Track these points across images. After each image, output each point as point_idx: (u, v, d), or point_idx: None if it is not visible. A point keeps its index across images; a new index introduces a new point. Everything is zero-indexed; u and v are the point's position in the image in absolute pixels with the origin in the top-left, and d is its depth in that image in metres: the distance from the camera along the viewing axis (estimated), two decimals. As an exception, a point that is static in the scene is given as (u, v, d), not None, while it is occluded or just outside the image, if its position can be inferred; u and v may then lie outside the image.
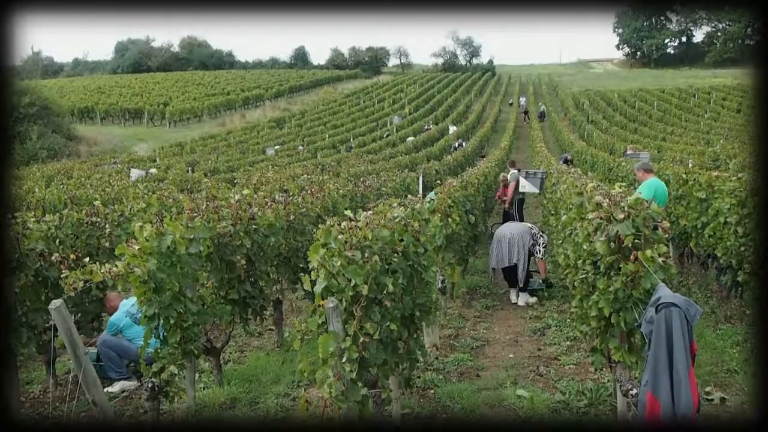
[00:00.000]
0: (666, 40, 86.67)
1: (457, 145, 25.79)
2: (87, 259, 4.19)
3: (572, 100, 51.53)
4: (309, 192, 8.26)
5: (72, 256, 4.55)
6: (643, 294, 3.27)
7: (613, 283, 3.43)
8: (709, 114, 40.14)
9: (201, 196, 9.30)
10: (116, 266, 3.95)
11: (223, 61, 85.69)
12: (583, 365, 5.56)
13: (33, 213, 5.37)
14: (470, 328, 7.12)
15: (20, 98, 31.56)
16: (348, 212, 3.78)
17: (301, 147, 31.99)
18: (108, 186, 13.59)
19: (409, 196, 6.14)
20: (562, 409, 4.66)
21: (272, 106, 50.81)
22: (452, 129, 36.84)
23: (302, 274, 6.83)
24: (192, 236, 4.45)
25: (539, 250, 8.41)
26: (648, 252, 3.20)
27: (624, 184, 4.38)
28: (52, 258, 4.60)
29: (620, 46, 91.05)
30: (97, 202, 7.05)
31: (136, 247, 4.02)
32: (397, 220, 3.91)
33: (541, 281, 8.58)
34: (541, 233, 8.65)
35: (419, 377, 5.26)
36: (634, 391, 3.35)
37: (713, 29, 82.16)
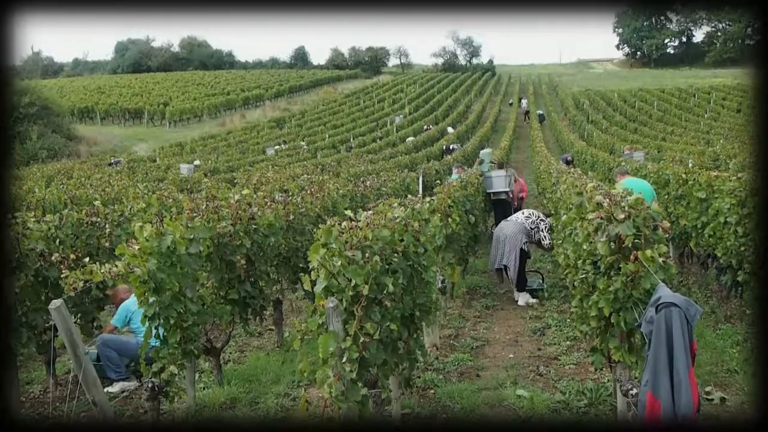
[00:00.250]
0: (666, 40, 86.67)
1: (451, 148, 25.81)
2: (87, 259, 4.20)
3: (572, 100, 51.54)
4: (309, 192, 8.26)
5: (72, 256, 4.55)
6: (643, 294, 3.27)
7: (613, 283, 3.43)
8: (709, 114, 40.15)
9: (201, 196, 9.31)
10: (116, 266, 3.96)
11: (223, 61, 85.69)
12: (583, 365, 5.56)
13: (33, 213, 5.37)
14: (470, 328, 7.12)
15: (20, 98, 31.57)
16: (348, 212, 3.79)
17: (304, 145, 31.99)
18: (108, 186, 13.59)
19: (409, 196, 6.14)
20: (562, 409, 4.66)
21: (272, 106, 50.83)
22: (450, 131, 36.83)
23: (302, 274, 6.83)
24: (192, 236, 4.45)
25: (544, 236, 8.40)
26: (648, 252, 3.20)
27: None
28: (52, 258, 4.60)
29: (620, 46, 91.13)
30: (97, 202, 7.05)
31: (136, 247, 4.02)
32: (397, 220, 3.92)
33: (540, 281, 8.58)
34: (542, 218, 8.61)
35: (419, 377, 5.26)
36: (634, 391, 3.35)
37: (713, 29, 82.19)
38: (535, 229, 8.47)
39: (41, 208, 8.88)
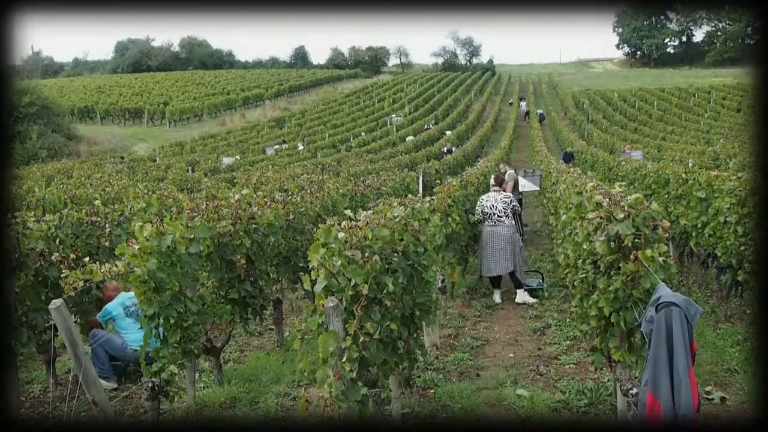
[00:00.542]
0: (666, 40, 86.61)
1: (446, 150, 25.87)
2: (87, 259, 4.19)
3: (572, 99, 51.53)
4: (308, 191, 8.26)
5: (72, 256, 4.55)
6: (643, 293, 3.27)
7: (613, 282, 3.43)
8: (709, 113, 40.13)
9: (201, 196, 9.31)
10: (116, 266, 3.96)
11: (223, 61, 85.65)
12: (583, 365, 5.56)
13: (33, 213, 5.37)
14: (470, 327, 7.12)
15: (20, 98, 31.55)
16: (348, 212, 3.79)
17: (300, 146, 31.99)
18: (108, 186, 13.58)
19: (409, 195, 6.14)
20: (562, 408, 4.66)
21: (272, 105, 50.81)
22: (448, 133, 36.78)
23: (302, 273, 6.83)
24: (192, 236, 4.45)
25: (517, 209, 8.49)
26: (648, 251, 3.20)
27: (624, 183, 4.38)
28: (52, 258, 4.60)
29: (620, 46, 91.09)
30: (97, 202, 7.05)
31: (136, 247, 4.02)
32: (397, 219, 3.92)
33: (540, 281, 8.59)
34: (512, 201, 8.52)
35: (419, 377, 5.26)
36: (634, 390, 3.35)
37: (713, 29, 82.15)
38: (513, 206, 8.45)
39: (41, 207, 8.86)
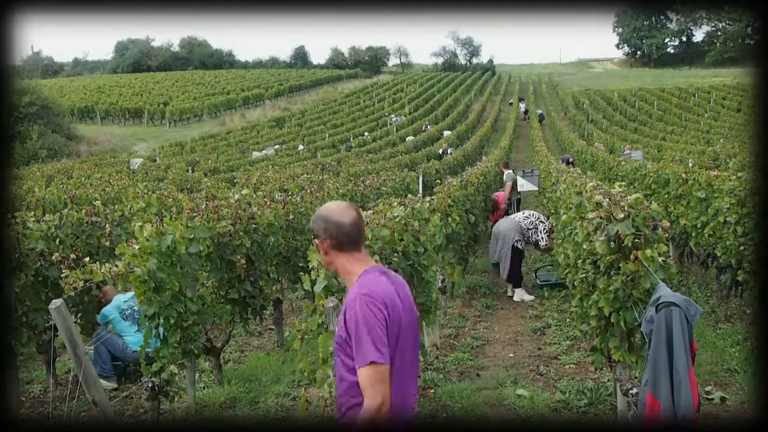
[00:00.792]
0: (666, 40, 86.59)
1: (441, 152, 25.93)
2: (87, 259, 4.19)
3: (572, 99, 51.52)
4: (308, 191, 8.26)
5: (72, 256, 4.55)
6: (643, 293, 3.27)
7: (613, 282, 3.43)
8: (709, 113, 40.11)
9: (201, 196, 9.31)
10: (116, 266, 3.95)
11: (223, 61, 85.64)
12: (583, 364, 5.56)
13: (33, 213, 5.37)
14: (470, 327, 7.12)
15: (20, 98, 31.54)
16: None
17: (300, 147, 31.98)
18: (108, 186, 13.58)
19: (409, 195, 6.14)
20: (562, 408, 4.66)
21: (272, 105, 50.80)
22: (446, 133, 36.77)
23: (302, 273, 6.82)
24: (192, 236, 4.46)
25: (541, 237, 8.47)
26: (648, 251, 3.20)
27: (624, 183, 4.38)
28: (52, 258, 4.60)
29: (620, 46, 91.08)
30: (97, 202, 7.05)
31: (136, 247, 4.02)
32: (397, 219, 3.92)
33: (556, 277, 8.61)
34: (541, 219, 8.68)
35: (419, 377, 5.26)
36: (634, 390, 3.35)
37: (713, 29, 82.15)
38: (533, 229, 8.53)
39: (41, 207, 8.87)
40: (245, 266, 5.48)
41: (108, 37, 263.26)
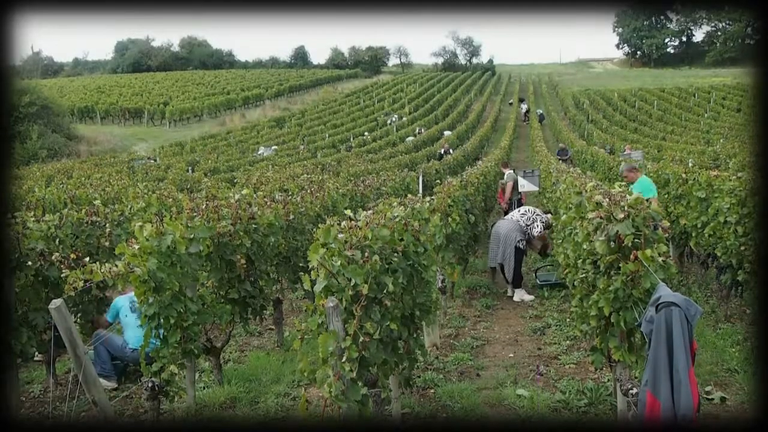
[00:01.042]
0: (666, 40, 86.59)
1: (443, 151, 25.97)
2: (87, 259, 4.19)
3: (572, 99, 51.52)
4: (308, 191, 8.26)
5: (72, 256, 4.54)
6: (643, 293, 3.27)
7: (613, 282, 3.44)
8: (709, 113, 40.12)
9: (201, 196, 9.30)
10: (116, 266, 3.95)
11: (223, 61, 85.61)
12: (583, 364, 5.56)
13: (33, 213, 5.36)
14: (470, 327, 7.12)
15: (20, 98, 31.53)
16: (348, 212, 3.79)
17: (302, 146, 31.98)
18: (108, 186, 13.57)
19: (409, 195, 6.14)
20: (562, 408, 4.66)
21: (272, 105, 50.79)
22: (446, 134, 36.77)
23: (302, 273, 6.83)
24: (192, 236, 4.45)
25: (537, 225, 8.50)
26: (648, 251, 3.20)
27: (624, 183, 4.38)
28: (52, 258, 4.59)
29: (620, 46, 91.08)
30: (97, 202, 7.05)
31: (136, 247, 4.02)
32: (397, 219, 3.92)
33: (554, 276, 8.62)
34: (538, 213, 8.71)
35: (419, 377, 5.26)
36: (634, 390, 3.36)
37: (713, 29, 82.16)
38: (531, 225, 8.54)
39: (41, 207, 8.86)
40: (245, 266, 5.47)
41: (108, 37, 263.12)
